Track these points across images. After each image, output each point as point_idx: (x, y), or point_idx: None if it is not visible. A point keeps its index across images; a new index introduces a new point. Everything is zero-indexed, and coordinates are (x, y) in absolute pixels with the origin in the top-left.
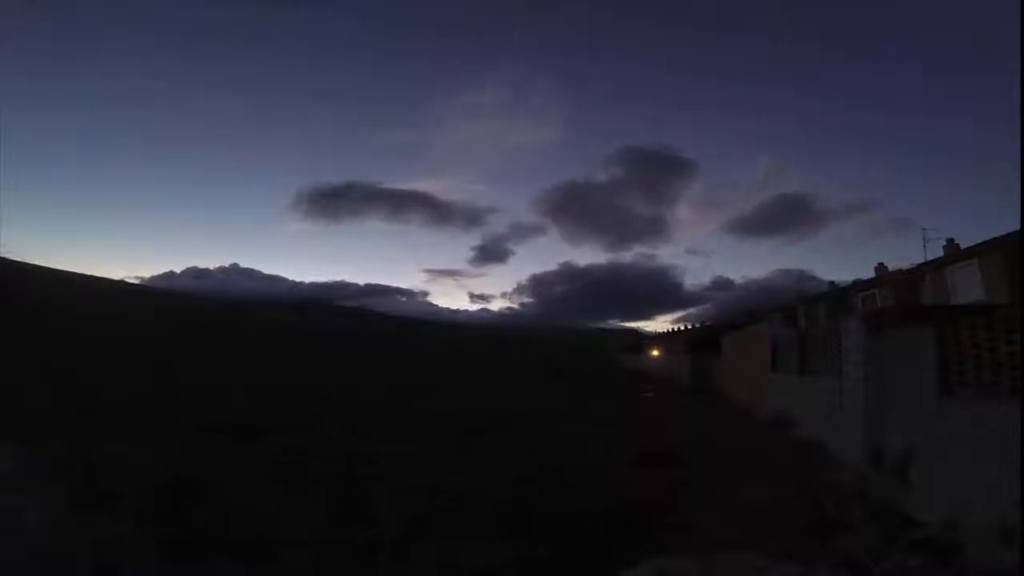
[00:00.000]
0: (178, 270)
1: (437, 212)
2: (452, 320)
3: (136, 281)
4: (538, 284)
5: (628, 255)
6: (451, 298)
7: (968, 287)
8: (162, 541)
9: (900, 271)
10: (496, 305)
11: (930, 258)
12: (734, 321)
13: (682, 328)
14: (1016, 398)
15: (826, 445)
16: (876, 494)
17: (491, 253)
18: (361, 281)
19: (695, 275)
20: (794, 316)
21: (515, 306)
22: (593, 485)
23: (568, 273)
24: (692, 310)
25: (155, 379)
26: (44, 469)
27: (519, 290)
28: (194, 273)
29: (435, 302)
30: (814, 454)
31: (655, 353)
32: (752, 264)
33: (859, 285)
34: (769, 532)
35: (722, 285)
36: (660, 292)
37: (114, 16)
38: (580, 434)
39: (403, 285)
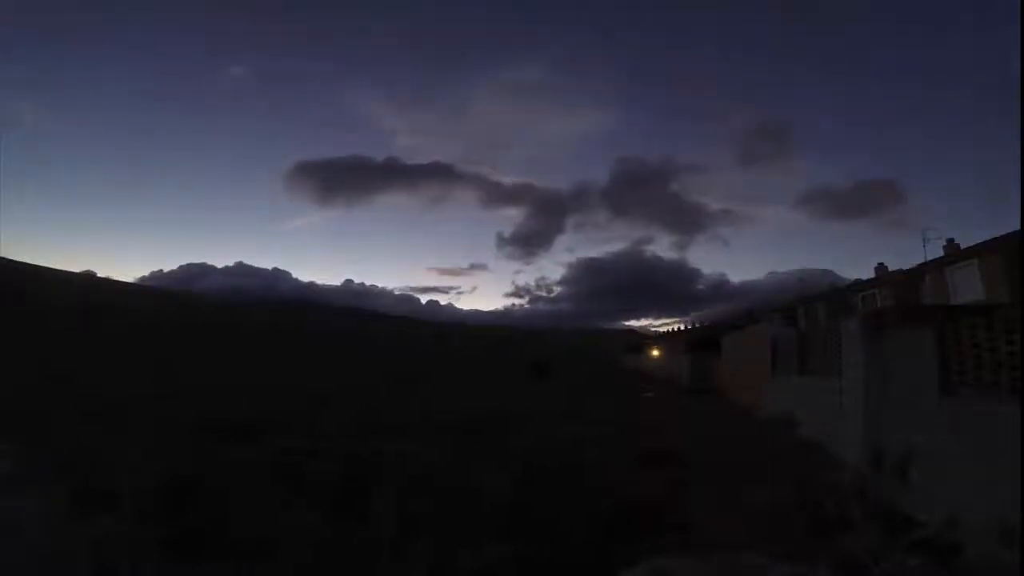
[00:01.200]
0: (177, 267)
1: (475, 197)
2: (455, 319)
3: (133, 280)
4: (579, 275)
5: (675, 246)
6: (485, 293)
7: (968, 287)
8: (162, 541)
9: (900, 271)
10: (530, 298)
11: (930, 258)
12: (734, 321)
13: (682, 328)
14: (1016, 398)
15: (826, 445)
16: (876, 494)
17: (532, 242)
18: (392, 285)
19: (741, 269)
20: (794, 316)
21: (548, 295)
22: (593, 485)
23: (607, 265)
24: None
25: (155, 379)
26: (44, 469)
27: (560, 281)
28: (196, 271)
29: (464, 297)
30: (814, 454)
31: (655, 353)
32: (798, 257)
33: (859, 285)
34: (769, 532)
35: (769, 280)
36: (705, 286)
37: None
38: (579, 434)
39: (428, 284)
